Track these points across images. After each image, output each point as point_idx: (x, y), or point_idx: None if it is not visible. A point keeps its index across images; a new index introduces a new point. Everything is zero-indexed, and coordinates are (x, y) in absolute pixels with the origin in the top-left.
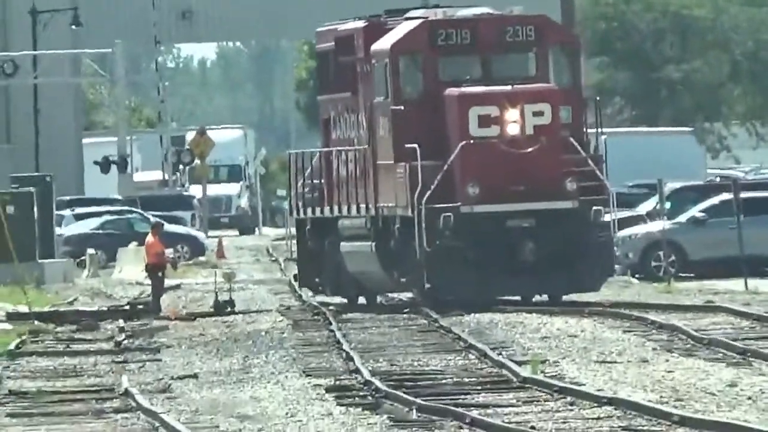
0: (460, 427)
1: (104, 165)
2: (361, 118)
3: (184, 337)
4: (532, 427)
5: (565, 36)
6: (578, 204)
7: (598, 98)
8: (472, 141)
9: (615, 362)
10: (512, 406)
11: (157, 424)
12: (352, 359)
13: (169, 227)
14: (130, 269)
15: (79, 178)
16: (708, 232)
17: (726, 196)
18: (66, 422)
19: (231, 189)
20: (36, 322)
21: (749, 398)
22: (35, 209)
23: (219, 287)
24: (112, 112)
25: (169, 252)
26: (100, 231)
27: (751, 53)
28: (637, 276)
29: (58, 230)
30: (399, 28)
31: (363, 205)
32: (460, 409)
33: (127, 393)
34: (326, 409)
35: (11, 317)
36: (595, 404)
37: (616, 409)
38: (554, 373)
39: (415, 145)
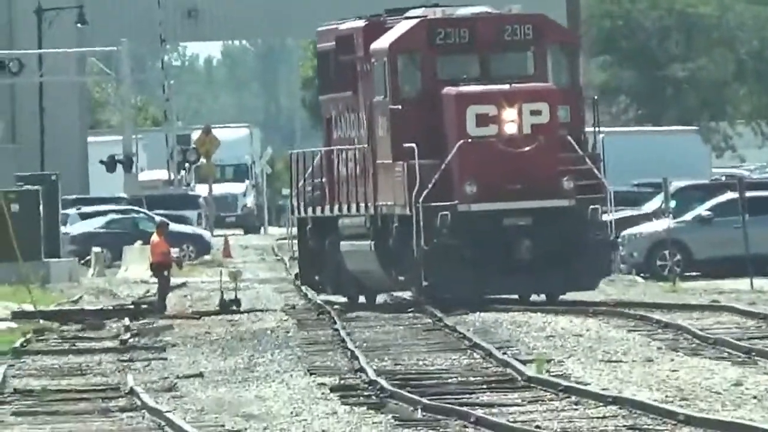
0: (465, 427)
1: (110, 164)
2: (361, 117)
3: (190, 336)
4: (537, 427)
5: (564, 35)
6: (575, 202)
7: (596, 97)
8: (469, 140)
9: (620, 361)
10: (517, 405)
11: (162, 423)
12: (356, 358)
13: (174, 226)
14: (135, 268)
15: (84, 177)
16: (713, 231)
17: (731, 195)
18: (71, 421)
19: (237, 188)
20: (41, 321)
21: (754, 397)
22: (41, 208)
23: (224, 286)
24: (117, 110)
25: (174, 251)
26: (106, 230)
27: (757, 52)
28: (642, 275)
29: (63, 229)
30: (398, 27)
31: (362, 204)
32: (465, 409)
33: (132, 392)
34: (331, 408)
35: (16, 316)
36: (600, 403)
37: (621, 409)
38: (559, 373)
39: (413, 144)
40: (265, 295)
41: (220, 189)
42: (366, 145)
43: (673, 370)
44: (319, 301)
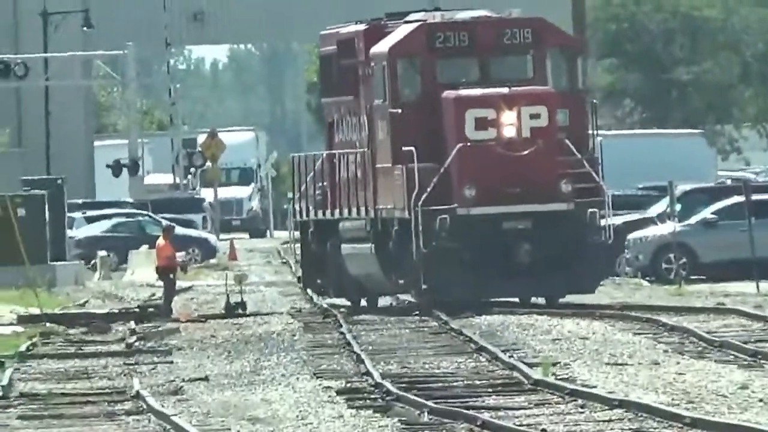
0: (471, 430)
1: (115, 168)
2: (362, 120)
3: (196, 339)
4: (543, 430)
5: (564, 39)
6: (574, 206)
7: (594, 101)
8: (468, 143)
9: (626, 364)
10: (523, 408)
11: (168, 427)
12: (362, 361)
13: (180, 230)
14: (141, 272)
15: (90, 181)
16: (719, 235)
17: (737, 198)
18: (77, 424)
19: (242, 192)
20: (47, 325)
21: (760, 400)
22: (47, 212)
23: (230, 289)
24: (123, 114)
25: (180, 255)
26: (112, 234)
27: (762, 55)
28: (648, 278)
29: (69, 233)
30: (398, 31)
31: (363, 208)
32: (471, 412)
33: (138, 395)
34: (337, 411)
35: (22, 320)
36: (606, 407)
37: (627, 412)
38: (565, 376)
39: (412, 148)
40: (271, 298)
41: (225, 192)
42: (366, 149)
43: (679, 373)
44: (324, 305)
